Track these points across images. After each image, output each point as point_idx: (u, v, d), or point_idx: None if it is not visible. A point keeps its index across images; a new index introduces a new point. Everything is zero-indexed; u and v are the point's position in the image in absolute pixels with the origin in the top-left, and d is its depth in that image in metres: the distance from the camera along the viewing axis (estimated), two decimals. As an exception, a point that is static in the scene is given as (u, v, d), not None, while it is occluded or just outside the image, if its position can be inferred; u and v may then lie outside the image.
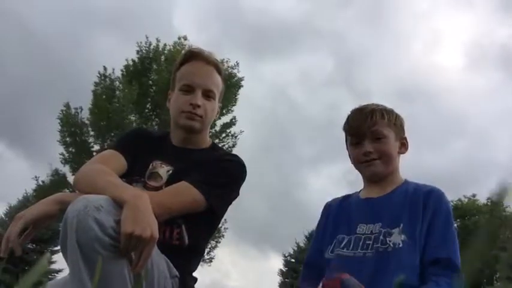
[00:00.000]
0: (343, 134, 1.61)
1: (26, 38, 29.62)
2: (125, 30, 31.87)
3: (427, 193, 1.45)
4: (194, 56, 1.60)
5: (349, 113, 1.59)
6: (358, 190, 1.63)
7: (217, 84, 1.60)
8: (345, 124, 1.59)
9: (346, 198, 1.64)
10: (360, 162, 1.53)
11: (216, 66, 1.61)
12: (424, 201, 1.43)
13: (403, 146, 1.57)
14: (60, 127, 16.02)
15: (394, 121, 1.54)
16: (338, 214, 1.59)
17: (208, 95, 1.56)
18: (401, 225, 1.39)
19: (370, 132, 1.50)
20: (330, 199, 1.69)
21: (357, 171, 1.60)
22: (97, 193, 1.17)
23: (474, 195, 25.23)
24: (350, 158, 1.59)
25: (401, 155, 1.57)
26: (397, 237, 1.38)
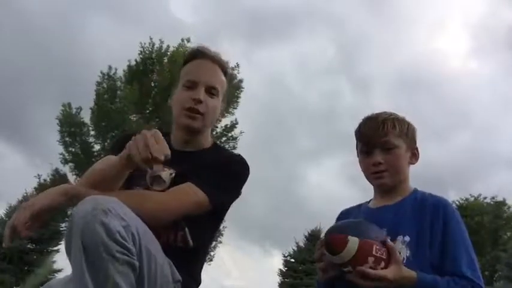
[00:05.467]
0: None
1: (25, 34, 29.49)
2: (122, 17, 31.78)
3: (433, 205, 1.45)
4: (200, 53, 1.60)
5: (361, 120, 1.59)
6: (368, 200, 1.64)
7: (221, 82, 1.60)
8: (356, 131, 1.59)
9: (357, 207, 1.66)
10: (369, 172, 1.54)
11: (222, 65, 1.60)
12: (432, 213, 1.43)
13: (414, 156, 1.57)
14: (59, 127, 16.03)
15: (406, 131, 1.54)
16: None
17: (211, 92, 1.55)
18: (406, 236, 1.40)
19: (381, 143, 1.50)
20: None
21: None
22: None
23: (480, 195, 25.14)
24: (360, 165, 1.59)
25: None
26: (398, 245, 1.38)
